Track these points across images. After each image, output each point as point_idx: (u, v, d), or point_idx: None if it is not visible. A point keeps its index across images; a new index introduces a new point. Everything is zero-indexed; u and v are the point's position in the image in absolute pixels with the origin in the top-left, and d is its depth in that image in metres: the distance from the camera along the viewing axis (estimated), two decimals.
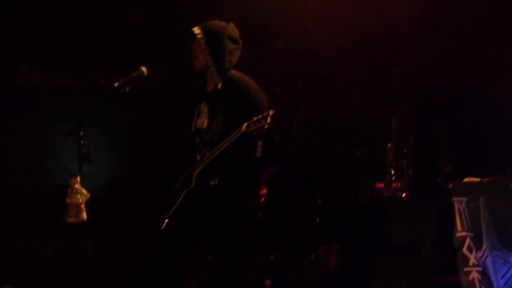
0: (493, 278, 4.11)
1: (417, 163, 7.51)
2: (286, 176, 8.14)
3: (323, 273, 7.36)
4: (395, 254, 6.69)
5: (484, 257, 4.16)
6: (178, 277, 5.12)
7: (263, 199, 5.19)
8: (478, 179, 4.24)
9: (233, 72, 5.17)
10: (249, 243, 5.24)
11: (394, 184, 7.19)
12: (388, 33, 7.93)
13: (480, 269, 4.20)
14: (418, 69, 7.80)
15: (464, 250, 4.28)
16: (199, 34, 5.07)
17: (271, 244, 7.79)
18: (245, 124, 4.72)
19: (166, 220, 5.12)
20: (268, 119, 4.68)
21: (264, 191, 5.22)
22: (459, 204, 4.33)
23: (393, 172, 7.38)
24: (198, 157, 5.10)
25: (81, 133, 4.93)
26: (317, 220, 7.73)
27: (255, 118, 4.72)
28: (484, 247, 4.14)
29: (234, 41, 5.14)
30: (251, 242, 5.38)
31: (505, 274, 3.96)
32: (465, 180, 4.36)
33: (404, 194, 7.11)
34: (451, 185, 4.45)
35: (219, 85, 5.08)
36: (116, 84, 5.07)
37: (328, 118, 8.48)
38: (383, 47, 7.99)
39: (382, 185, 7.24)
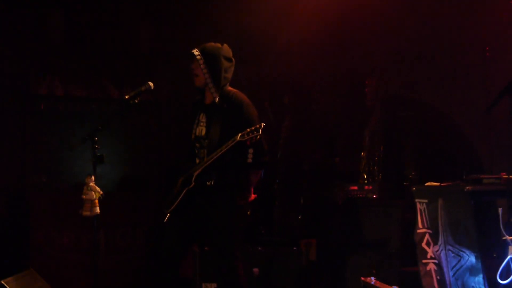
0: (445, 269, 4.12)
1: (386, 169, 7.48)
2: (273, 179, 8.14)
3: (304, 263, 7.43)
4: (366, 247, 6.67)
5: (439, 251, 4.16)
6: (176, 263, 5.17)
7: (252, 197, 5.25)
8: (438, 184, 4.24)
9: (229, 87, 5.23)
10: (240, 236, 5.25)
11: (366, 187, 7.17)
12: (363, 57, 7.95)
13: (436, 261, 4.20)
14: (387, 89, 7.81)
15: (423, 244, 4.29)
16: (198, 55, 5.12)
17: (259, 237, 7.78)
18: (240, 134, 4.78)
19: (168, 215, 5.17)
20: (260, 131, 4.76)
21: (253, 192, 5.28)
22: (420, 205, 4.33)
23: (365, 176, 7.37)
24: (197, 161, 5.14)
25: (96, 139, 5.01)
26: (299, 217, 7.74)
27: (248, 130, 4.77)
28: (439, 243, 4.13)
29: (228, 60, 5.20)
30: (242, 235, 5.40)
31: (455, 265, 3.96)
32: (426, 184, 4.34)
33: (374, 196, 7.10)
34: (414, 189, 4.47)
35: (217, 99, 5.13)
36: (127, 97, 5.13)
37: (310, 129, 8.48)
38: (358, 70, 8.01)
39: (355, 187, 7.23)
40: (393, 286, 4.11)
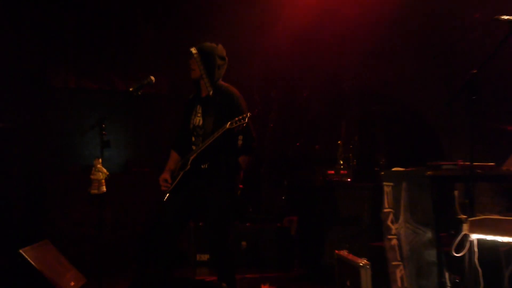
0: (403, 244, 4.15)
1: (360, 156, 7.51)
2: (260, 163, 8.16)
3: (286, 237, 7.48)
4: (340, 224, 6.71)
5: (399, 228, 4.20)
6: (174, 238, 5.15)
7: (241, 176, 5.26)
8: (403, 169, 4.26)
9: (221, 82, 5.23)
10: (231, 213, 5.26)
11: (342, 172, 7.19)
12: (341, 57, 7.96)
13: (397, 237, 4.25)
14: (362, 85, 7.83)
15: (388, 222, 4.29)
16: (196, 53, 5.12)
17: (247, 215, 7.83)
18: (229, 122, 4.79)
19: (167, 194, 5.18)
20: (246, 119, 4.77)
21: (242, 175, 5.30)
22: (387, 187, 4.32)
23: (341, 162, 7.35)
24: (194, 148, 5.15)
25: (103, 125, 5.01)
26: (283, 197, 7.77)
27: (236, 118, 4.79)
28: (400, 221, 4.17)
29: (222, 58, 5.20)
30: (232, 212, 5.42)
31: (411, 240, 3.99)
32: (393, 169, 4.35)
33: (349, 179, 7.13)
34: (382, 173, 4.47)
35: (211, 92, 5.13)
36: (131, 89, 5.14)
37: (294, 120, 8.50)
38: (337, 67, 8.02)
39: (333, 172, 7.25)
40: (362, 259, 4.11)
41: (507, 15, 3.53)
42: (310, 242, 7.06)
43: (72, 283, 5.52)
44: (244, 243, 7.32)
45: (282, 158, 8.16)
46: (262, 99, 8.21)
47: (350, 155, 7.44)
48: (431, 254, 3.68)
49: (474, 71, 3.41)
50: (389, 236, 4.28)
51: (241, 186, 5.42)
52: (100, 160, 5.11)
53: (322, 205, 7.00)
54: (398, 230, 4.18)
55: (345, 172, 7.21)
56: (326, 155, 7.86)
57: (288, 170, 8.10)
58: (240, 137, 5.05)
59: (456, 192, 3.58)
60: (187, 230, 7.21)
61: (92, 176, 5.02)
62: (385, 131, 7.80)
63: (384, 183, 4.39)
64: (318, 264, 6.75)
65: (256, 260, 7.33)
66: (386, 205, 4.36)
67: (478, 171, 3.67)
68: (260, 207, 8.10)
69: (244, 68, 7.78)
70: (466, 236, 3.13)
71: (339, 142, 7.50)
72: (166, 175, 5.22)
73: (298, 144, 8.34)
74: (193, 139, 5.18)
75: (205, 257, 7.31)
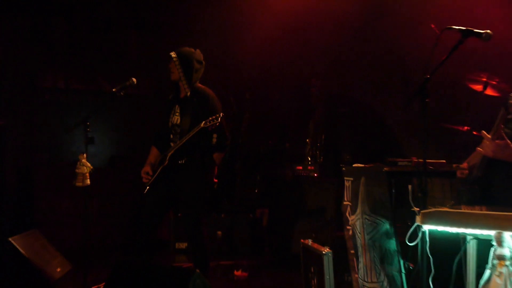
0: (360, 235, 4.16)
1: (326, 153, 7.55)
2: (235, 159, 8.14)
3: (258, 227, 7.47)
4: (307, 216, 6.76)
5: (355, 220, 4.20)
6: (154, 227, 5.14)
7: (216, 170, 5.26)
8: (362, 165, 4.27)
9: (198, 84, 5.23)
10: (205, 205, 5.25)
11: (309, 167, 7.21)
12: (309, 62, 7.98)
13: (353, 228, 4.26)
14: (328, 88, 7.86)
15: (347, 214, 4.33)
16: (175, 57, 5.12)
17: (223, 206, 7.80)
18: (203, 122, 4.81)
19: (148, 187, 5.16)
20: (219, 119, 4.78)
21: (217, 170, 5.29)
22: (347, 182, 4.34)
23: (309, 159, 7.39)
24: (172, 144, 5.14)
25: (87, 123, 4.98)
26: (256, 191, 7.76)
27: (210, 118, 4.81)
28: (357, 212, 4.18)
29: (199, 62, 5.19)
30: (207, 204, 5.41)
31: (371, 231, 3.99)
32: (354, 165, 4.35)
33: (316, 174, 7.15)
34: (343, 169, 4.49)
35: (188, 93, 5.13)
36: (114, 90, 5.13)
37: (266, 120, 8.50)
38: (306, 72, 8.04)
39: (301, 167, 7.27)
40: (325, 247, 4.11)
41: (457, 25, 3.56)
42: (279, 232, 7.08)
43: (59, 269, 5.46)
44: (219, 232, 7.30)
45: (255, 155, 8.14)
46: (237, 100, 8.20)
47: (317, 152, 7.48)
48: (392, 243, 3.69)
49: (427, 76, 3.42)
50: (347, 227, 4.29)
51: (215, 180, 5.42)
52: (85, 155, 5.07)
53: (291, 198, 7.03)
54: (355, 221, 4.19)
55: (312, 168, 7.23)
56: (295, 152, 7.85)
57: (261, 166, 8.08)
58: (215, 135, 5.07)
59: (410, 187, 3.59)
60: (167, 220, 7.17)
61: (77, 170, 4.99)
62: (349, 130, 7.84)
63: (345, 178, 4.40)
64: (287, 252, 6.76)
65: (230, 248, 7.32)
66: (345, 198, 4.38)
67: (430, 167, 3.69)
68: (234, 200, 8.09)
69: (220, 72, 7.78)
70: (419, 227, 3.13)
71: (307, 140, 7.53)
72: (147, 169, 5.22)
73: (270, 142, 8.33)
74: (172, 136, 5.18)
75: (183, 245, 7.28)
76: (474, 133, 5.71)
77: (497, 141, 3.29)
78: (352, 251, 4.37)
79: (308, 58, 7.91)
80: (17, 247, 5.07)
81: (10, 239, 5.10)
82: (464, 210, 3.01)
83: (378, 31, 7.07)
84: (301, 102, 8.10)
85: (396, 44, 6.87)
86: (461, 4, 5.99)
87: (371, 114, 7.75)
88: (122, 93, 5.15)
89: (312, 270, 4.35)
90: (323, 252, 4.05)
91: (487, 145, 3.34)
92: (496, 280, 2.77)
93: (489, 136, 3.34)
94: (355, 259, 4.35)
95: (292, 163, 7.48)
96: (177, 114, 5.19)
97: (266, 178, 7.99)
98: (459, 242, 3.24)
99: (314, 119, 7.70)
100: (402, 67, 6.88)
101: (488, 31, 3.45)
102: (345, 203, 4.39)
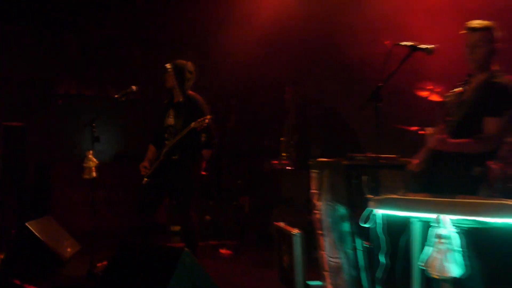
0: (324, 218, 4.17)
1: (299, 150, 7.55)
2: (222, 155, 8.13)
3: (241, 213, 7.46)
4: (283, 202, 6.76)
5: (322, 205, 4.21)
6: (152, 212, 5.15)
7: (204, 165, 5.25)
8: (326, 159, 4.27)
9: (190, 91, 5.23)
10: (194, 194, 5.26)
11: (284, 162, 7.22)
12: (285, 70, 7.95)
13: (320, 212, 4.27)
14: (301, 94, 7.86)
15: (315, 200, 4.32)
16: (170, 68, 5.14)
17: (211, 195, 7.79)
18: (193, 123, 4.81)
19: (146, 179, 5.14)
20: (207, 120, 4.78)
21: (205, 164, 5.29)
22: (314, 173, 4.35)
23: (284, 154, 7.40)
24: (166, 143, 5.13)
25: (94, 124, 4.97)
26: (239, 182, 7.75)
27: (199, 120, 4.81)
28: (323, 199, 4.18)
29: (191, 72, 5.20)
30: (197, 193, 5.42)
31: (332, 215, 3.99)
32: (319, 159, 4.36)
33: (290, 168, 7.16)
34: (311, 163, 4.50)
35: (181, 99, 5.14)
36: (116, 96, 5.15)
37: (248, 121, 8.50)
38: (281, 81, 8.04)
39: (277, 162, 7.27)
40: (295, 229, 4.12)
41: (406, 41, 3.58)
42: (259, 216, 7.07)
43: (69, 249, 5.42)
44: (207, 217, 7.29)
45: (239, 151, 8.12)
46: (224, 105, 8.17)
47: (291, 149, 7.48)
48: (346, 226, 3.70)
49: (380, 84, 3.44)
50: (315, 211, 4.30)
51: (204, 173, 5.41)
52: (91, 151, 5.07)
53: (269, 188, 7.03)
54: (321, 206, 4.19)
55: (287, 162, 7.23)
56: (272, 148, 7.85)
57: (243, 160, 8.07)
58: (204, 135, 5.08)
59: (365, 177, 3.60)
60: (163, 207, 7.13)
61: (84, 165, 5.02)
62: (319, 131, 7.85)
63: (312, 170, 4.40)
64: (265, 233, 6.74)
65: (217, 230, 7.30)
66: (313, 187, 4.38)
67: (382, 161, 3.71)
68: (221, 189, 8.07)
69: (210, 81, 7.75)
70: (372, 211, 3.14)
71: (282, 139, 7.52)
72: (145, 163, 5.22)
73: (252, 140, 8.35)
74: (167, 135, 5.18)
75: (177, 228, 7.24)
76: (421, 132, 5.74)
77: (437, 136, 3.32)
78: (319, 232, 4.37)
79: (284, 68, 7.92)
80: (33, 230, 5.03)
81: (26, 224, 5.06)
82: (410, 197, 3.02)
83: (344, 44, 7.08)
84: (277, 106, 8.10)
85: (358, 56, 6.89)
86: (414, 23, 6.02)
87: (337, 116, 7.76)
88: (123, 99, 5.19)
89: (283, 248, 4.35)
90: (293, 233, 4.05)
91: (429, 139, 3.38)
92: (436, 255, 2.78)
93: (431, 131, 3.37)
94: (321, 239, 4.35)
95: (269, 158, 7.47)
96: (171, 116, 5.20)
97: (248, 171, 7.98)
98: (406, 223, 3.24)
99: (288, 120, 7.70)
100: (362, 76, 6.88)
101: (431, 46, 3.47)
102: (312, 191, 4.40)
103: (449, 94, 3.64)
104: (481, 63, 3.47)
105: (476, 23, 3.47)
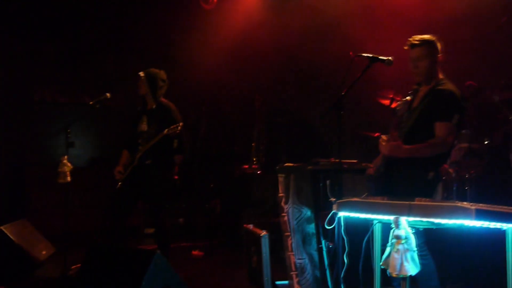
0: (291, 221, 4.19)
1: (267, 155, 7.56)
2: (194, 160, 8.08)
3: (213, 215, 7.42)
4: (252, 205, 6.76)
5: (288, 208, 4.22)
6: (125, 215, 5.10)
7: (176, 169, 5.22)
8: (292, 164, 4.29)
9: (162, 98, 5.20)
10: (169, 197, 5.23)
11: (254, 166, 7.21)
12: (254, 81, 8.02)
13: (287, 214, 4.29)
14: (269, 103, 7.88)
15: (282, 203, 4.33)
16: (143, 76, 5.11)
17: (183, 198, 7.75)
18: (166, 130, 4.79)
19: (120, 183, 5.09)
20: (179, 128, 4.76)
21: (177, 169, 5.26)
22: (281, 178, 4.37)
23: (254, 159, 7.39)
24: (140, 148, 5.09)
25: (68, 130, 4.90)
26: (211, 185, 7.72)
27: (172, 126, 4.80)
28: (289, 203, 4.20)
29: (163, 81, 5.18)
30: (171, 196, 5.37)
31: (297, 217, 4.01)
32: (285, 164, 4.38)
33: (259, 172, 7.16)
34: (277, 167, 4.51)
35: (154, 106, 5.11)
36: (91, 103, 5.09)
37: (219, 128, 8.48)
38: (251, 89, 8.05)
39: (247, 166, 7.26)
40: (263, 230, 4.12)
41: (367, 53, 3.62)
42: (229, 219, 7.04)
43: (44, 252, 5.32)
44: (181, 219, 7.25)
45: (210, 156, 8.09)
46: (195, 112, 8.14)
47: (261, 154, 7.48)
48: (311, 227, 3.72)
49: (342, 93, 3.47)
50: (282, 214, 4.31)
51: (176, 177, 5.38)
52: (66, 156, 5.01)
53: (238, 191, 7.01)
54: (287, 209, 4.21)
55: (256, 166, 7.23)
56: (242, 154, 7.85)
57: (215, 165, 8.04)
58: (176, 141, 5.06)
59: (328, 181, 3.63)
60: (138, 210, 7.06)
61: (59, 169, 4.94)
62: (287, 137, 7.87)
63: (279, 174, 4.42)
64: (235, 235, 6.72)
65: (189, 232, 7.27)
66: (280, 191, 4.40)
67: (345, 166, 3.74)
68: (193, 193, 8.02)
69: (182, 89, 7.72)
70: (335, 214, 3.16)
71: (252, 144, 7.53)
72: (120, 168, 5.17)
73: (222, 146, 8.32)
74: (140, 141, 5.13)
75: (151, 230, 7.18)
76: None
77: (391, 142, 3.37)
78: (286, 234, 4.39)
79: (253, 77, 7.95)
80: (8, 234, 4.93)
81: (1, 227, 4.95)
82: (370, 200, 3.06)
83: (310, 55, 7.15)
84: (247, 114, 8.11)
85: (323, 66, 6.96)
86: (379, 36, 6.11)
87: (305, 123, 7.82)
88: (97, 106, 5.13)
89: (252, 249, 4.35)
90: (261, 235, 4.06)
91: (384, 146, 3.42)
92: (394, 255, 2.82)
93: (385, 138, 3.42)
94: (289, 240, 4.37)
95: (239, 163, 7.47)
96: (144, 123, 5.18)
97: (219, 175, 7.96)
98: (367, 225, 3.28)
99: (257, 127, 7.71)
100: (326, 85, 6.95)
101: (390, 57, 3.53)
102: (280, 195, 4.41)
103: (400, 103, 3.71)
104: (425, 75, 3.57)
105: (417, 38, 3.55)
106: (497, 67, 5.77)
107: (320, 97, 7.36)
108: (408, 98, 3.65)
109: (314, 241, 3.72)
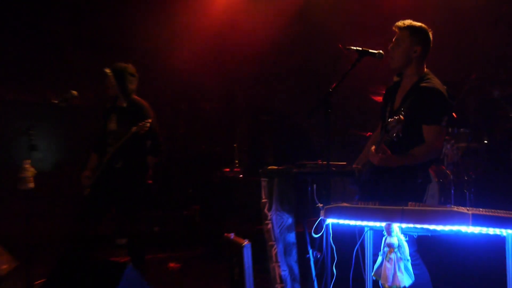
0: (275, 227, 4.17)
1: (251, 156, 7.57)
2: (171, 162, 8.06)
3: (191, 223, 7.40)
4: (233, 212, 6.74)
5: (271, 215, 4.21)
6: (95, 225, 5.04)
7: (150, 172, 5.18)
8: (276, 167, 4.27)
9: (134, 96, 5.14)
10: (143, 203, 5.18)
11: (236, 169, 7.21)
12: (235, 78, 8.03)
13: (271, 222, 4.27)
14: (254, 101, 7.90)
15: (265, 210, 4.29)
16: (110, 73, 5.05)
17: (159, 204, 7.71)
18: (134, 127, 4.75)
19: (88, 189, 5.04)
20: (148, 124, 4.74)
21: (151, 173, 5.21)
22: (264, 182, 4.32)
23: (236, 162, 7.39)
24: (109, 149, 5.03)
25: (30, 132, 4.84)
26: (190, 190, 7.70)
27: (140, 124, 4.77)
28: (272, 209, 4.18)
29: (132, 75, 5.12)
30: (145, 202, 5.34)
31: (280, 225, 4.01)
32: (269, 167, 4.34)
33: (241, 175, 7.15)
34: (260, 170, 4.49)
35: (124, 104, 5.05)
36: (56, 101, 5.03)
37: (199, 128, 8.47)
38: (232, 87, 8.07)
39: (228, 169, 7.25)
40: (244, 240, 4.10)
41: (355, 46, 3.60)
42: (210, 227, 7.02)
43: (5, 266, 5.23)
44: (156, 228, 7.20)
45: (189, 158, 8.07)
46: (173, 110, 8.11)
47: (244, 155, 7.48)
48: (292, 236, 3.71)
49: (330, 90, 3.45)
50: (266, 221, 4.30)
51: (150, 181, 5.34)
52: (29, 161, 4.93)
53: (219, 196, 7.00)
54: (271, 216, 4.19)
55: (239, 169, 7.22)
56: (224, 155, 7.83)
57: (194, 167, 8.02)
58: (148, 142, 5.02)
59: (315, 185, 3.62)
60: (108, 218, 7.01)
61: (20, 175, 4.85)
62: (271, 137, 7.89)
63: (262, 178, 4.40)
64: (216, 245, 6.70)
65: (166, 242, 7.22)
66: (263, 196, 4.37)
67: (333, 168, 3.73)
68: (170, 198, 7.98)
69: (157, 84, 7.69)
70: (323, 220, 3.15)
71: (235, 145, 7.53)
72: (87, 173, 5.08)
73: (202, 147, 8.29)
74: (109, 141, 5.06)
75: (123, 241, 7.11)
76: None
77: (380, 155, 3.32)
78: (270, 243, 4.37)
79: (235, 73, 7.94)
80: None
81: None
82: (360, 205, 3.05)
83: (296, 51, 7.17)
84: (230, 113, 8.11)
85: (311, 61, 6.98)
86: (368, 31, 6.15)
87: (290, 123, 7.83)
88: (63, 104, 5.06)
89: (234, 260, 4.32)
90: (243, 244, 4.04)
91: (374, 156, 3.38)
92: (387, 265, 2.82)
93: (373, 150, 3.36)
94: (273, 250, 4.35)
95: (221, 166, 7.45)
96: (113, 121, 5.10)
97: (198, 179, 7.94)
98: (357, 232, 3.28)
99: (241, 127, 7.72)
100: (316, 83, 6.97)
101: (381, 51, 3.52)
102: (263, 200, 4.39)
103: (384, 103, 3.70)
104: (398, 63, 3.53)
105: (405, 22, 3.53)
106: (497, 61, 5.83)
107: (308, 93, 7.38)
108: (389, 95, 3.65)
109: (294, 252, 3.70)
